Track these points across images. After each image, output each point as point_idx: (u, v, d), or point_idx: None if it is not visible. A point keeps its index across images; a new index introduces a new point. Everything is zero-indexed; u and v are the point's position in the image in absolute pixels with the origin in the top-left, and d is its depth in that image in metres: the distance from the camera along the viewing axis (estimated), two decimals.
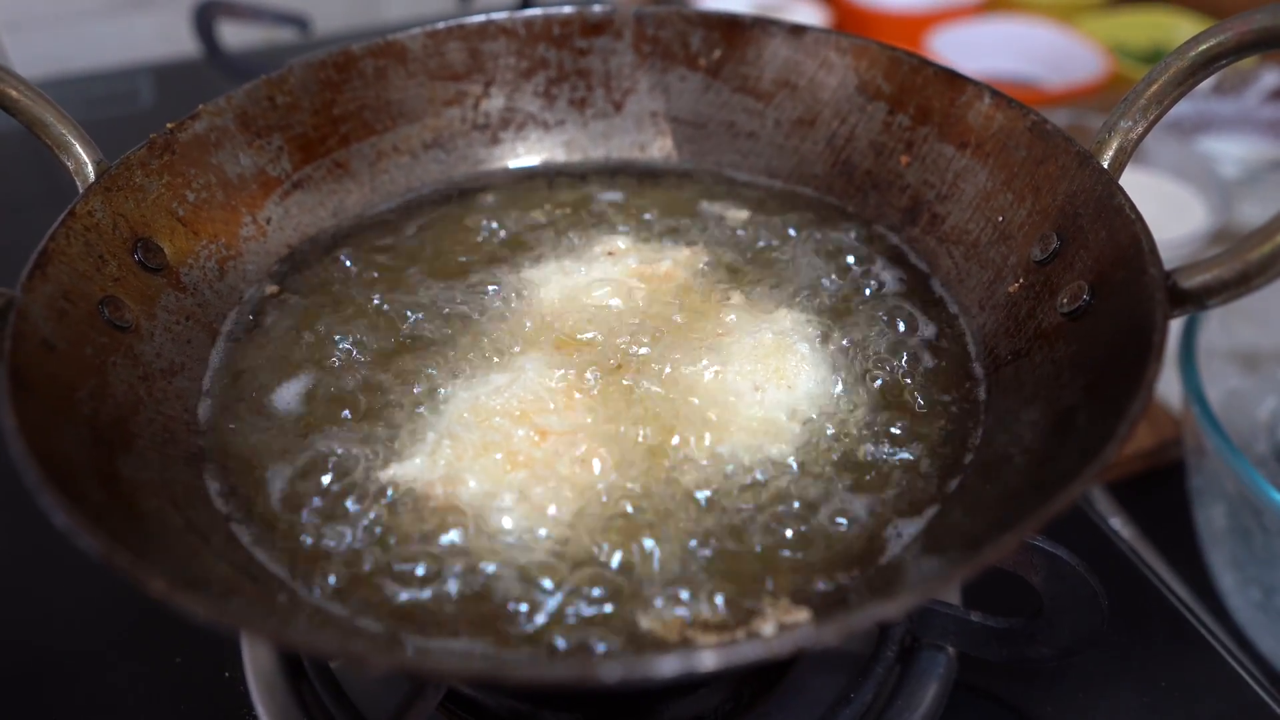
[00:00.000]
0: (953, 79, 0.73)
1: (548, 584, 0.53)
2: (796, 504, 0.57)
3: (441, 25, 0.82)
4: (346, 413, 0.63)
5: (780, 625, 0.50)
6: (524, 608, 0.52)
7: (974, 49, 1.59)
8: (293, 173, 0.78)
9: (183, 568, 0.50)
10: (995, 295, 0.67)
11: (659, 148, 0.87)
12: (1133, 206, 0.57)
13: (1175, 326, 0.73)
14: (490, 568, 0.54)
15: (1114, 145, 0.61)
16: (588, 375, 0.64)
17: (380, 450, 0.61)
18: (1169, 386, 1.04)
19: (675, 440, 0.60)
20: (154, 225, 0.67)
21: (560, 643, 0.50)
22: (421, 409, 0.63)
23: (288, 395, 0.65)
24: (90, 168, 0.65)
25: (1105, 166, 0.61)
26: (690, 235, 0.78)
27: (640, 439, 0.60)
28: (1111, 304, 0.56)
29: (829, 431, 0.62)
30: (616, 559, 0.54)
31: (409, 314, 0.71)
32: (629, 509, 0.57)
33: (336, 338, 0.69)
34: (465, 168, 0.86)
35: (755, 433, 0.61)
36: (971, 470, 0.58)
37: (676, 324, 0.68)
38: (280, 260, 0.76)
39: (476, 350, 0.67)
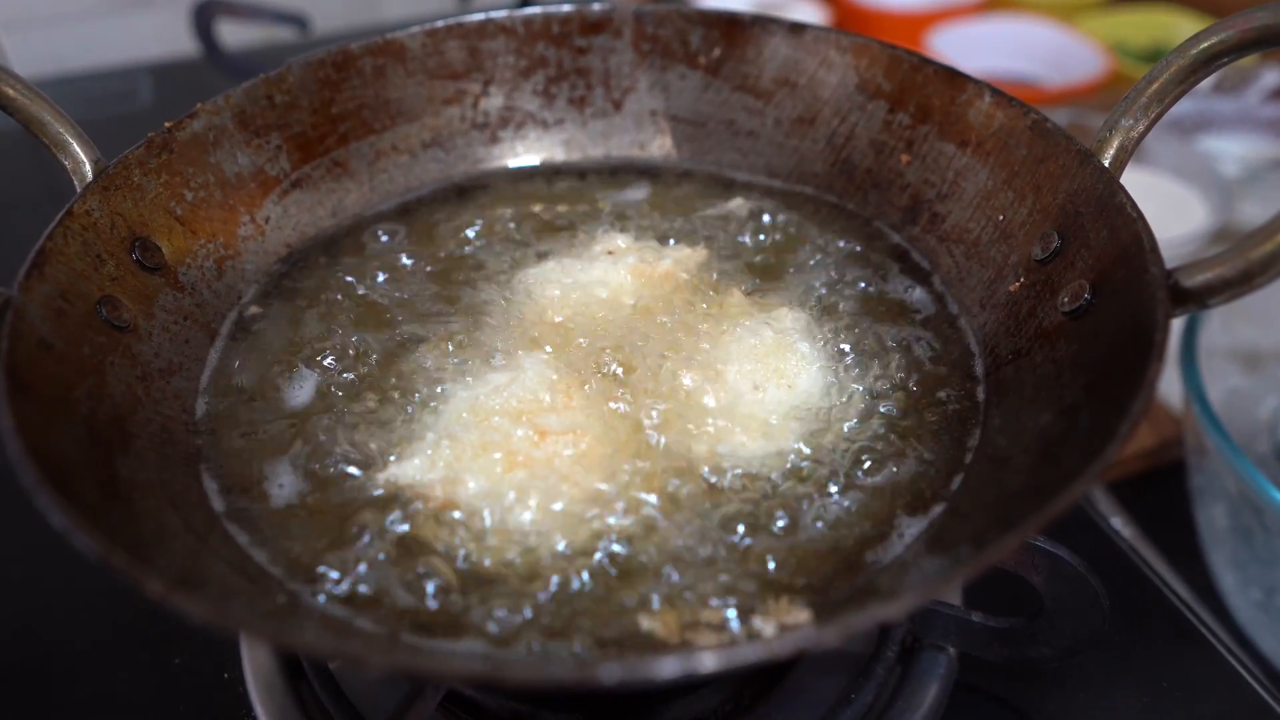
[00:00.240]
0: (953, 77, 0.73)
1: (547, 584, 0.53)
2: (797, 504, 0.57)
3: (440, 24, 0.82)
4: (345, 413, 0.63)
5: (780, 626, 0.50)
6: (524, 607, 0.52)
7: (974, 48, 1.59)
8: (291, 172, 0.78)
9: (180, 568, 0.50)
10: (996, 294, 0.67)
11: (659, 146, 0.87)
12: (1134, 205, 0.57)
13: (1176, 326, 0.72)
14: (490, 566, 0.54)
15: (1115, 144, 0.61)
16: (587, 375, 0.64)
17: (379, 450, 0.60)
18: (1169, 386, 1.04)
19: (676, 440, 0.60)
20: (152, 225, 0.67)
21: (560, 643, 0.50)
22: (420, 409, 0.63)
23: (286, 395, 0.65)
24: (88, 167, 0.65)
25: (1106, 165, 0.61)
26: (690, 234, 0.78)
27: (639, 438, 0.60)
28: (1113, 303, 0.56)
29: (829, 431, 0.61)
30: (616, 559, 0.54)
31: (408, 313, 0.70)
32: (628, 509, 0.56)
33: (335, 337, 0.68)
34: (464, 167, 0.86)
35: (755, 432, 0.60)
36: (972, 470, 0.58)
37: (676, 323, 0.68)
38: (279, 260, 0.76)
39: (475, 350, 0.67)
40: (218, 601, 0.47)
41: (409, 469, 0.59)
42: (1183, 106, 1.33)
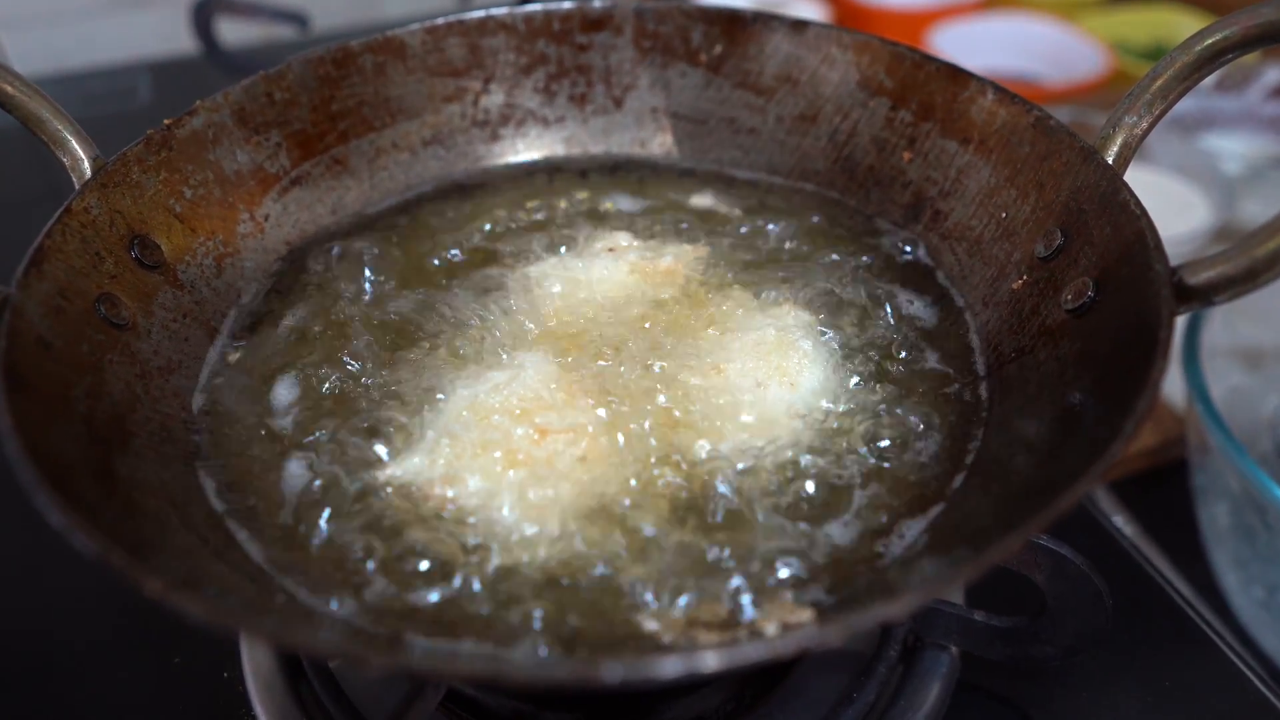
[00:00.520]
0: (955, 74, 0.72)
1: (548, 583, 0.53)
2: (799, 503, 0.57)
3: (441, 21, 0.82)
4: (345, 411, 0.63)
5: (783, 625, 0.49)
6: (524, 607, 0.51)
7: (975, 46, 1.59)
8: (291, 169, 0.78)
9: (179, 567, 0.49)
10: (999, 292, 0.67)
11: (659, 144, 0.86)
12: (1138, 202, 0.56)
13: (1178, 324, 0.72)
14: (490, 567, 0.54)
15: (1118, 141, 0.61)
16: (587, 373, 0.64)
17: (379, 449, 0.60)
18: (1171, 384, 1.03)
19: (677, 439, 0.60)
20: (151, 222, 0.67)
21: (562, 641, 0.50)
22: (420, 407, 0.63)
23: (286, 393, 0.65)
24: (87, 164, 0.64)
25: (1110, 162, 0.60)
26: (691, 232, 0.78)
27: (641, 437, 0.60)
28: (1117, 300, 0.56)
29: (831, 429, 0.61)
30: (617, 558, 0.54)
31: (408, 311, 0.70)
32: (629, 508, 0.56)
33: (335, 336, 0.68)
34: (465, 164, 0.85)
35: (758, 431, 0.60)
36: (975, 468, 0.58)
37: (678, 321, 0.68)
38: (279, 258, 0.76)
39: (475, 348, 0.67)
40: (217, 601, 0.47)
41: (409, 467, 0.58)
42: (1184, 104, 1.33)
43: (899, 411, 0.62)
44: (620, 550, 0.54)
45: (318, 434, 0.61)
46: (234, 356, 0.68)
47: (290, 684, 0.66)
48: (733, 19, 0.82)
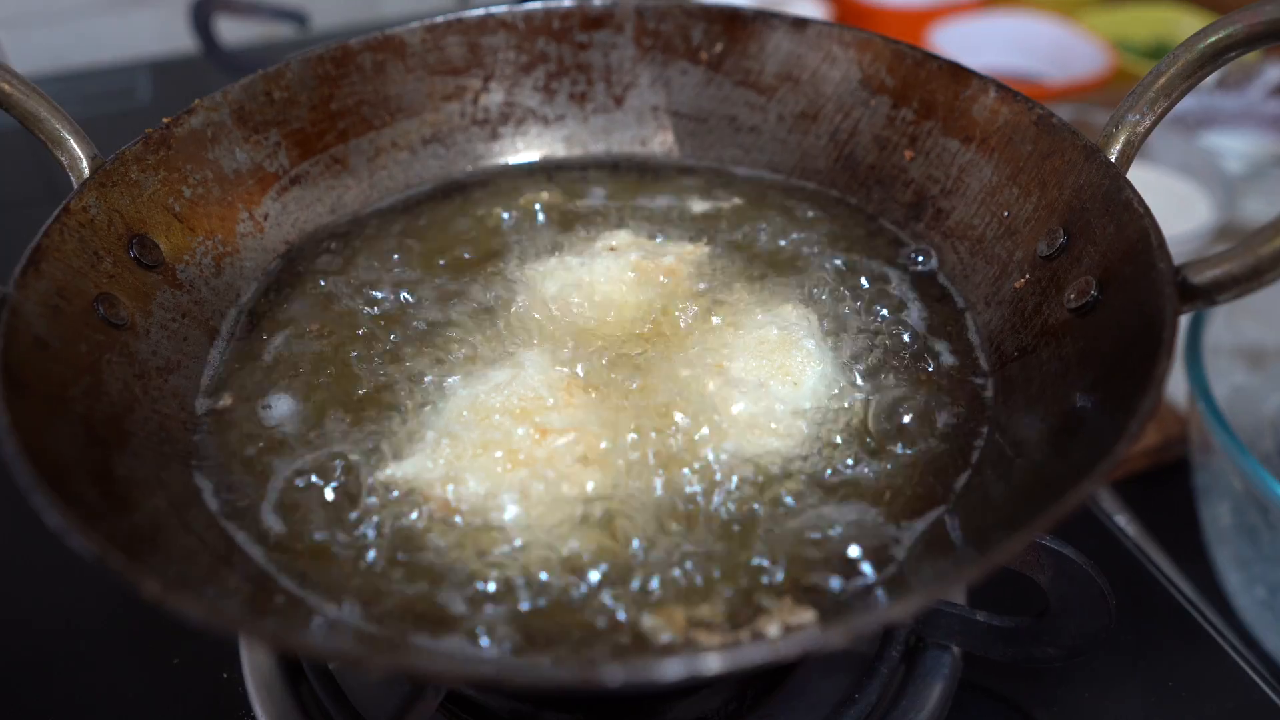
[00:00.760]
0: (957, 72, 0.72)
1: (549, 584, 0.52)
2: (801, 502, 0.56)
3: (440, 19, 0.81)
4: (344, 411, 0.63)
5: (785, 626, 0.49)
6: (524, 608, 0.51)
7: (975, 44, 1.58)
8: (290, 168, 0.77)
9: (178, 569, 0.49)
10: (1001, 291, 0.66)
11: (660, 142, 0.86)
12: (1141, 201, 0.56)
13: (1180, 323, 0.72)
14: (490, 567, 0.53)
15: (1121, 139, 0.61)
16: (589, 372, 0.64)
17: (378, 449, 0.60)
18: (1174, 383, 1.03)
19: (678, 438, 0.60)
20: (150, 221, 0.67)
21: (563, 643, 0.49)
22: (421, 407, 0.62)
23: (285, 393, 0.64)
24: (85, 163, 0.64)
25: (1113, 160, 0.60)
26: (691, 230, 0.77)
27: (642, 436, 0.60)
28: (1120, 299, 0.55)
29: (834, 428, 0.61)
30: (618, 559, 0.54)
31: (408, 311, 0.70)
32: (631, 507, 0.56)
33: (335, 335, 0.68)
34: (464, 163, 0.85)
35: (760, 429, 0.60)
36: (979, 468, 0.57)
37: (679, 320, 0.68)
38: (278, 257, 0.75)
39: (476, 347, 0.66)
40: (216, 602, 0.47)
41: (409, 467, 0.58)
42: (1186, 103, 1.33)
43: (901, 411, 0.62)
44: (621, 549, 0.54)
45: (317, 434, 0.61)
46: (233, 356, 0.67)
47: (290, 685, 0.66)
48: (733, 17, 0.82)
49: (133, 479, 0.54)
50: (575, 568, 0.53)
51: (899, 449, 0.60)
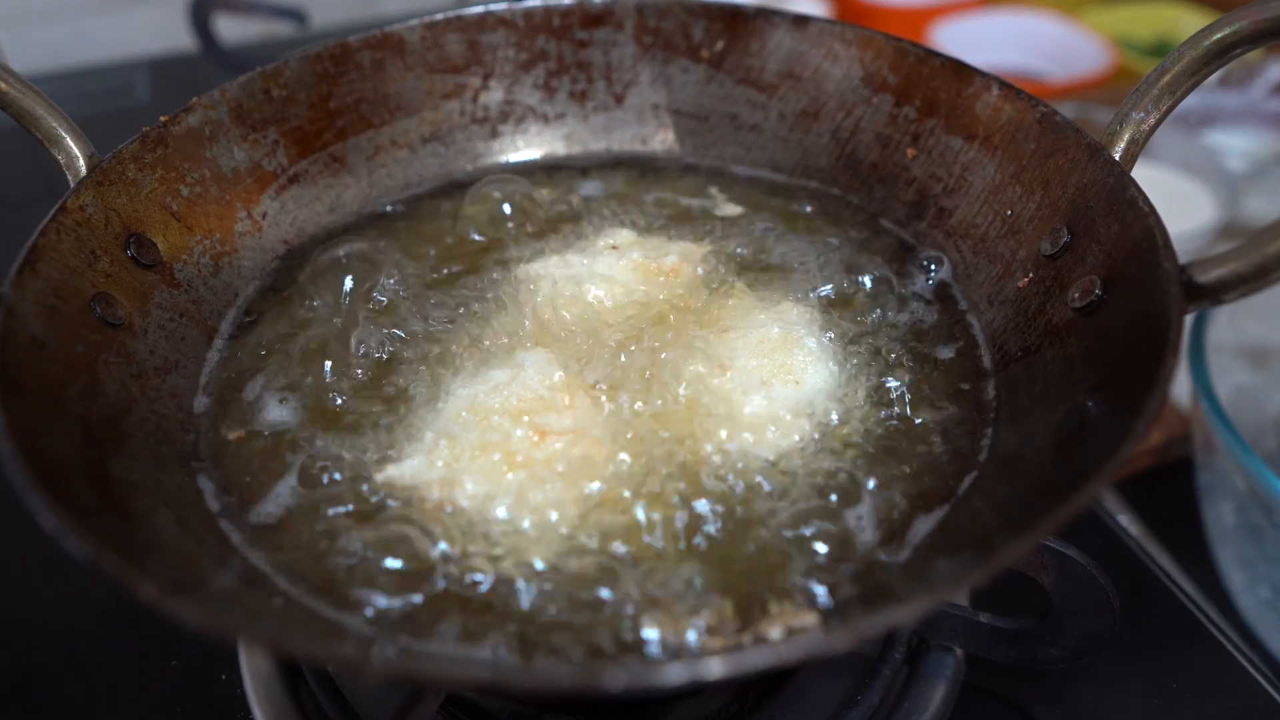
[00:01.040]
0: (960, 70, 0.72)
1: (549, 587, 0.52)
2: (804, 504, 0.56)
3: (439, 17, 0.81)
4: (344, 411, 0.62)
5: (788, 629, 0.49)
6: (525, 610, 0.51)
7: (976, 42, 1.58)
8: (289, 167, 0.77)
9: (175, 571, 0.49)
10: (1004, 290, 0.66)
11: (661, 141, 0.86)
12: (1145, 199, 0.56)
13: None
14: (490, 570, 0.53)
15: (1125, 137, 0.60)
16: (589, 372, 0.63)
17: (377, 450, 0.59)
18: (1177, 382, 1.02)
19: (679, 439, 0.59)
20: (147, 220, 0.66)
21: (563, 647, 0.49)
22: (419, 408, 0.62)
23: (284, 393, 0.64)
24: (82, 162, 0.64)
25: (1117, 159, 0.60)
26: (693, 229, 0.77)
27: (643, 438, 0.59)
28: (1125, 299, 0.55)
29: (836, 429, 0.60)
30: (620, 560, 0.53)
31: (407, 311, 0.69)
32: (632, 509, 0.56)
33: (334, 335, 0.67)
34: (464, 162, 0.85)
35: (762, 430, 0.59)
36: (983, 469, 0.57)
37: (680, 319, 0.67)
38: (277, 256, 0.75)
39: (475, 347, 0.66)
40: (213, 606, 0.47)
41: (407, 469, 0.58)
42: (1188, 101, 1.32)
43: (904, 411, 0.61)
44: (621, 551, 0.54)
45: (316, 435, 0.61)
46: (232, 356, 0.67)
47: (289, 687, 0.65)
48: (734, 14, 0.81)
49: (130, 480, 0.53)
50: (576, 570, 0.53)
51: (902, 449, 0.59)
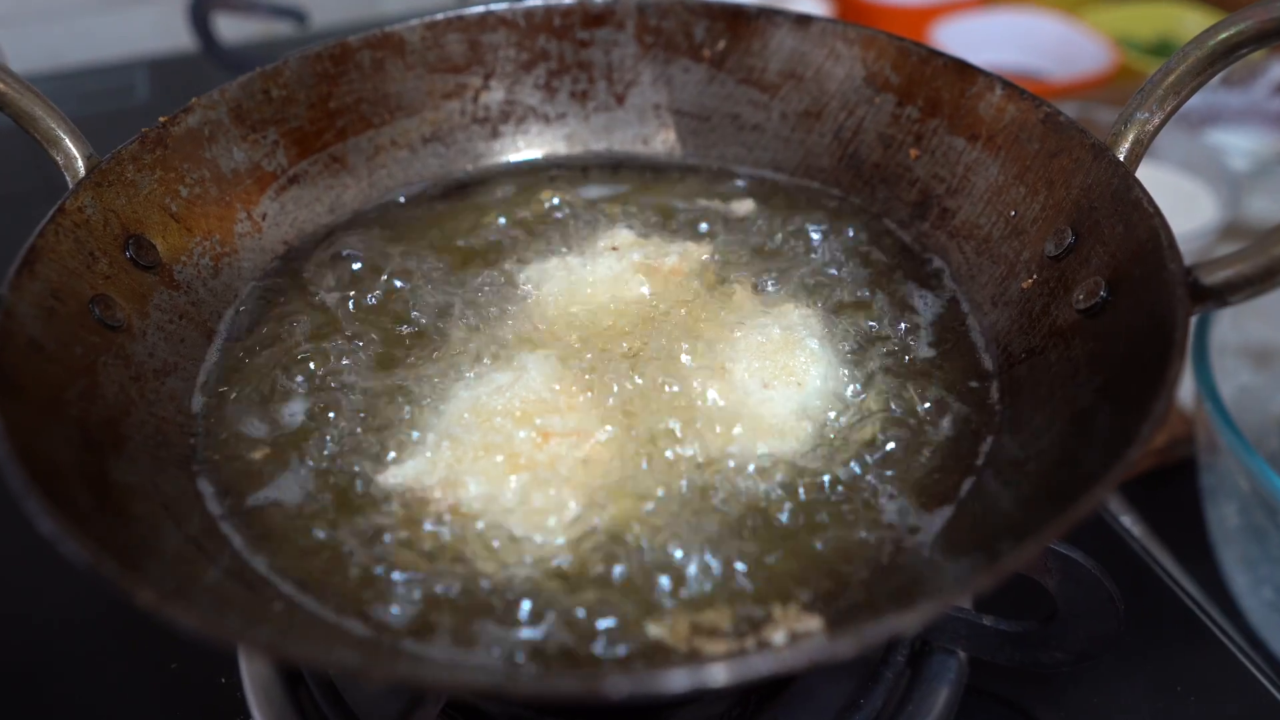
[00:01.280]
0: (963, 70, 0.71)
1: (551, 590, 0.52)
2: (807, 506, 0.56)
3: (440, 17, 0.80)
4: (344, 413, 0.62)
5: (791, 633, 0.48)
6: (527, 614, 0.50)
7: (978, 42, 1.57)
8: (289, 167, 0.76)
9: (174, 575, 0.48)
10: (1008, 291, 0.66)
11: (662, 141, 0.85)
12: (1150, 200, 0.55)
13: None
14: (491, 573, 0.53)
15: (1130, 137, 0.60)
16: (591, 374, 0.63)
17: (378, 452, 0.59)
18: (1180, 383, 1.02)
19: (682, 440, 0.59)
20: (146, 221, 0.66)
21: (566, 651, 0.49)
22: (421, 410, 0.62)
23: (284, 396, 0.63)
24: (80, 163, 0.63)
25: (1121, 159, 0.59)
26: (694, 230, 0.76)
27: (645, 439, 0.59)
28: (1130, 300, 0.55)
29: (839, 431, 0.60)
30: (621, 564, 0.53)
31: (408, 312, 0.69)
32: (634, 511, 0.55)
33: (335, 336, 0.67)
34: (465, 162, 0.84)
35: (764, 432, 0.59)
36: (987, 472, 0.57)
37: (682, 320, 0.67)
38: (277, 257, 0.75)
39: (477, 349, 0.66)
40: (212, 612, 0.46)
41: (409, 471, 0.57)
42: (1190, 100, 1.32)
43: (907, 412, 0.61)
44: (623, 555, 0.53)
45: (317, 437, 0.60)
46: (232, 358, 0.66)
47: (289, 690, 0.65)
48: (736, 14, 0.81)
49: (128, 483, 0.53)
50: (578, 573, 0.52)
51: (904, 451, 0.59)
